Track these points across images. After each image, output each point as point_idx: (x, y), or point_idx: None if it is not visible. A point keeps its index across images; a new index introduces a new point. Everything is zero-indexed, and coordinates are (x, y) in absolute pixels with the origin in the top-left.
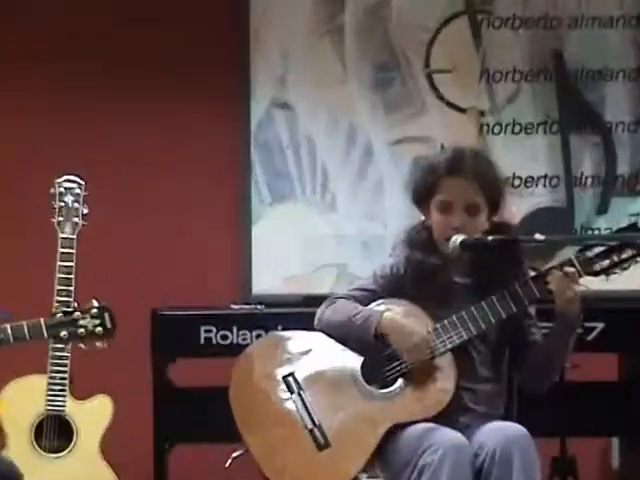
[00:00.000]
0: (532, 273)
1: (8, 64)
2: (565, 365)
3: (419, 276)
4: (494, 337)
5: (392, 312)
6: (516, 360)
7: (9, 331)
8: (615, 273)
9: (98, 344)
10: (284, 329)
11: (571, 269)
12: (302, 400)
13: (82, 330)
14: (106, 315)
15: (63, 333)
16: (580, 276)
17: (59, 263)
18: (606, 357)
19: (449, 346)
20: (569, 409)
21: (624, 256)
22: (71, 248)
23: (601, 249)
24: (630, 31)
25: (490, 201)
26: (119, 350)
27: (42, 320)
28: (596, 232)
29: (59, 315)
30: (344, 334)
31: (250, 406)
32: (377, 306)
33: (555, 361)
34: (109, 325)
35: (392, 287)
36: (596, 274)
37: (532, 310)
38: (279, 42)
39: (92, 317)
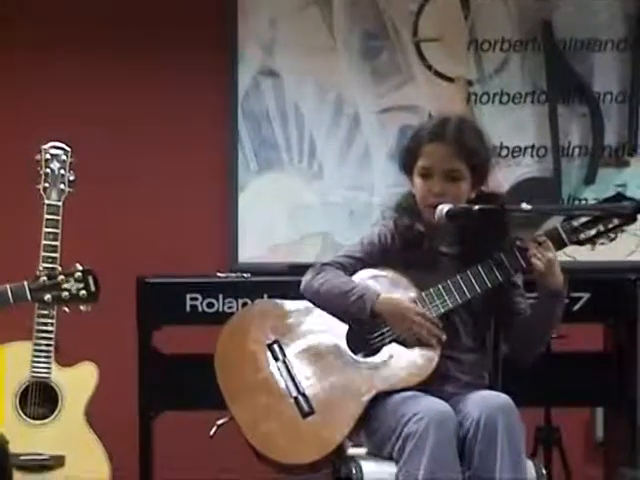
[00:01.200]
0: (519, 243)
1: None
2: (552, 336)
3: (406, 242)
4: (479, 306)
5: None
6: (503, 330)
7: None
8: (602, 243)
9: (82, 307)
10: (270, 297)
11: (542, 237)
12: (287, 368)
13: (66, 293)
14: (90, 278)
15: (47, 297)
16: (565, 245)
17: (44, 230)
18: (592, 327)
19: (434, 314)
20: (554, 379)
21: (610, 225)
22: (57, 215)
23: (587, 218)
24: (619, 1)
25: (473, 169)
26: (105, 317)
27: (26, 283)
28: (583, 202)
29: (43, 278)
30: (335, 307)
31: (235, 374)
32: (368, 280)
33: (540, 332)
34: (93, 288)
35: (379, 255)
36: (582, 243)
37: (519, 280)
38: (267, 10)
39: (76, 280)
